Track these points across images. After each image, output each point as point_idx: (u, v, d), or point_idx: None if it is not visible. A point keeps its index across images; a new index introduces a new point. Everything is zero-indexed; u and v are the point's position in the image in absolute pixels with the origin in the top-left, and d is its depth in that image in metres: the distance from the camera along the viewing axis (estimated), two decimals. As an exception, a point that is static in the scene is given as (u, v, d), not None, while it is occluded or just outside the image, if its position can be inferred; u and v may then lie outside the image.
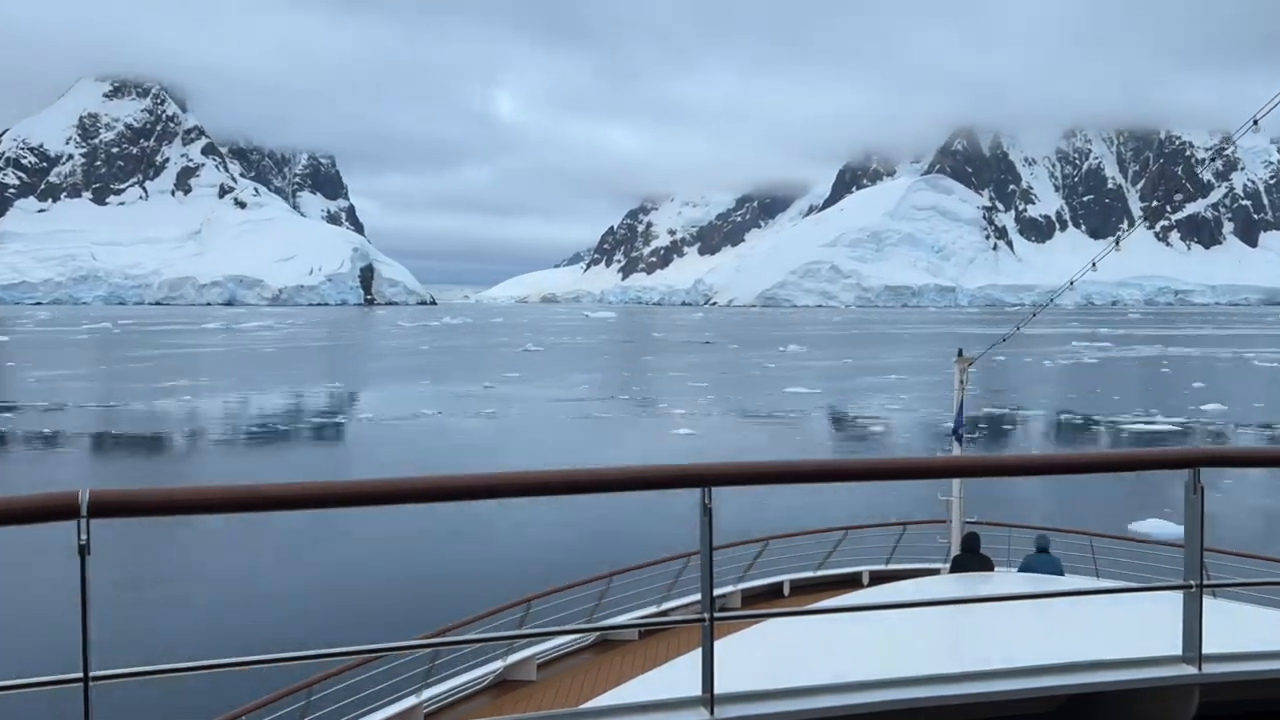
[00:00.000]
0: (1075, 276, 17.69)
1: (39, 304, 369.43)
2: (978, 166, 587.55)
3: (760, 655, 4.86)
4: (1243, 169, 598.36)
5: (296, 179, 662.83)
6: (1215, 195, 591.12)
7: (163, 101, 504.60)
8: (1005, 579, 11.68)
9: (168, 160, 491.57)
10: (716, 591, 3.35)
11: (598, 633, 13.98)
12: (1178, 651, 3.78)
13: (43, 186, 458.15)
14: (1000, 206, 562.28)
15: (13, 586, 22.81)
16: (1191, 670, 3.73)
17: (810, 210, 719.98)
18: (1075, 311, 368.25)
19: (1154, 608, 4.76)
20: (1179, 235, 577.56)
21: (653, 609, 14.63)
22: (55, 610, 18.56)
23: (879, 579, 15.72)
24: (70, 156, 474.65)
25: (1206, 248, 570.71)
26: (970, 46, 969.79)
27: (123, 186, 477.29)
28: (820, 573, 16.97)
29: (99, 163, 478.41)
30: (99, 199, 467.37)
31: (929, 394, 68.60)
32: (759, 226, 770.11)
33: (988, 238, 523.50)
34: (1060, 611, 5.52)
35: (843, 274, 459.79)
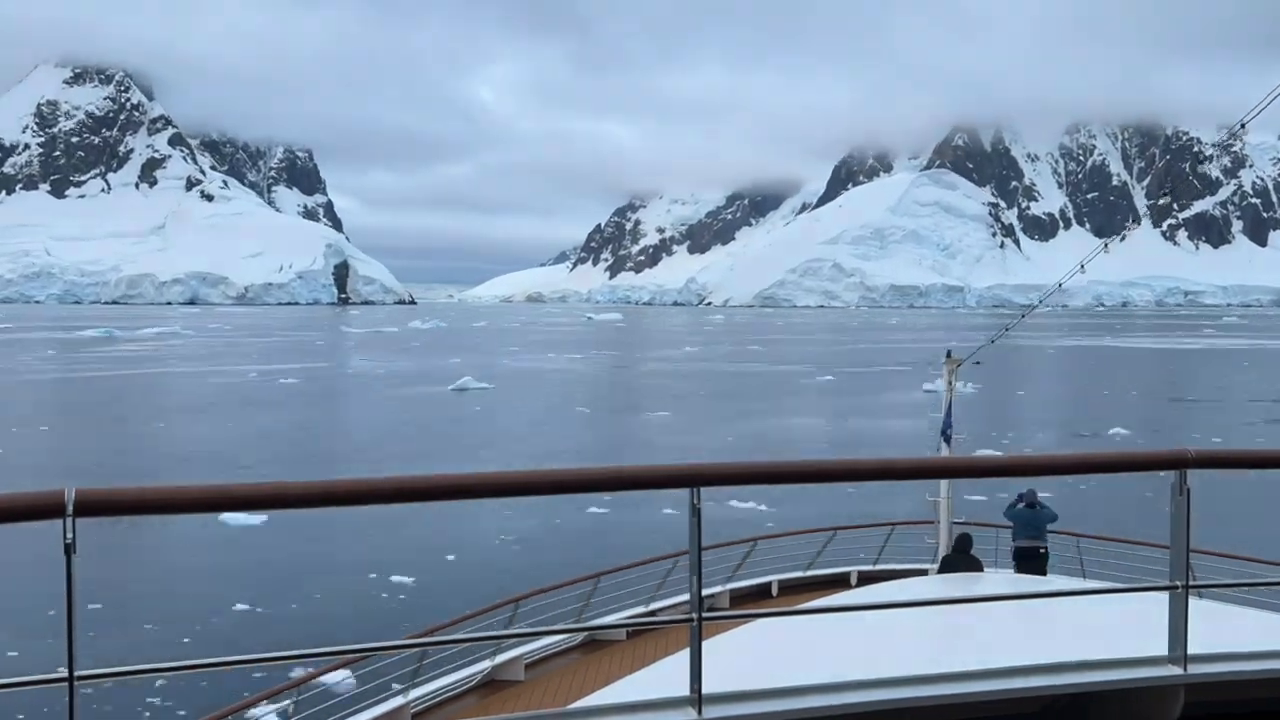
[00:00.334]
0: (1063, 279, 18.19)
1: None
2: (979, 162, 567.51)
3: (748, 655, 4.90)
4: (1251, 166, 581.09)
5: (272, 173, 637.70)
6: (1224, 193, 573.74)
7: (127, 89, 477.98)
8: (993, 579, 11.99)
9: (132, 151, 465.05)
10: (705, 591, 3.39)
11: (586, 633, 13.78)
12: (1163, 652, 3.80)
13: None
14: (1003, 204, 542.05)
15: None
16: (1177, 671, 3.74)
17: (803, 208, 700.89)
18: (1082, 312, 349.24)
19: (1140, 608, 4.76)
20: (1186, 234, 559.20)
21: (641, 609, 14.57)
22: (40, 609, 18.53)
23: (867, 579, 15.71)
24: (26, 146, 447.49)
25: (1215, 247, 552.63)
26: (965, 37, 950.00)
27: (83, 178, 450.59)
28: (809, 573, 16.88)
29: (58, 153, 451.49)
30: (57, 191, 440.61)
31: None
32: (750, 225, 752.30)
33: (994, 235, 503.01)
34: (1046, 612, 5.58)
35: (845, 273, 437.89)
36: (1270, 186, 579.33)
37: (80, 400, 69.47)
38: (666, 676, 3.90)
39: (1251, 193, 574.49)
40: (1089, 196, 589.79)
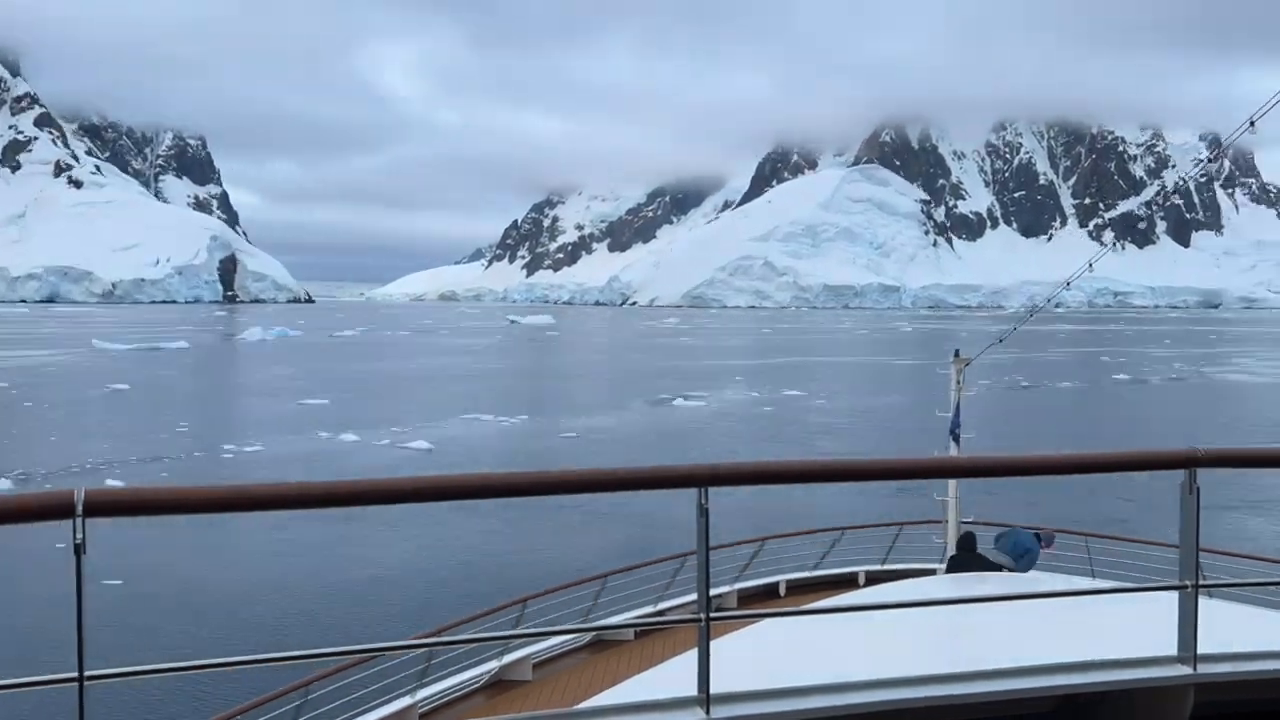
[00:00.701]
0: (1072, 277, 18.31)
1: None
2: (906, 159, 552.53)
3: (756, 655, 4.86)
4: (1173, 167, 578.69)
5: (160, 161, 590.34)
6: (1147, 193, 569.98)
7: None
8: (1001, 579, 11.97)
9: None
10: (712, 591, 3.35)
11: (593, 633, 13.79)
12: (1173, 652, 3.79)
13: None
14: (931, 201, 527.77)
15: (8, 585, 22.18)
16: (1186, 670, 3.73)
17: (726, 206, 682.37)
18: (1015, 316, 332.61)
19: (1149, 608, 4.72)
20: (1112, 235, 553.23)
21: (649, 609, 14.62)
22: (50, 609, 18.18)
23: (875, 579, 15.73)
24: None
25: (1140, 247, 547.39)
26: (877, 26, 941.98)
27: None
28: (816, 573, 16.90)
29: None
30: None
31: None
32: (671, 223, 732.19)
33: (927, 233, 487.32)
34: (1056, 611, 5.54)
35: (777, 271, 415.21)
36: (1192, 188, 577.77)
37: None
38: (674, 676, 3.93)
39: (1174, 193, 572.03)
40: (1016, 195, 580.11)
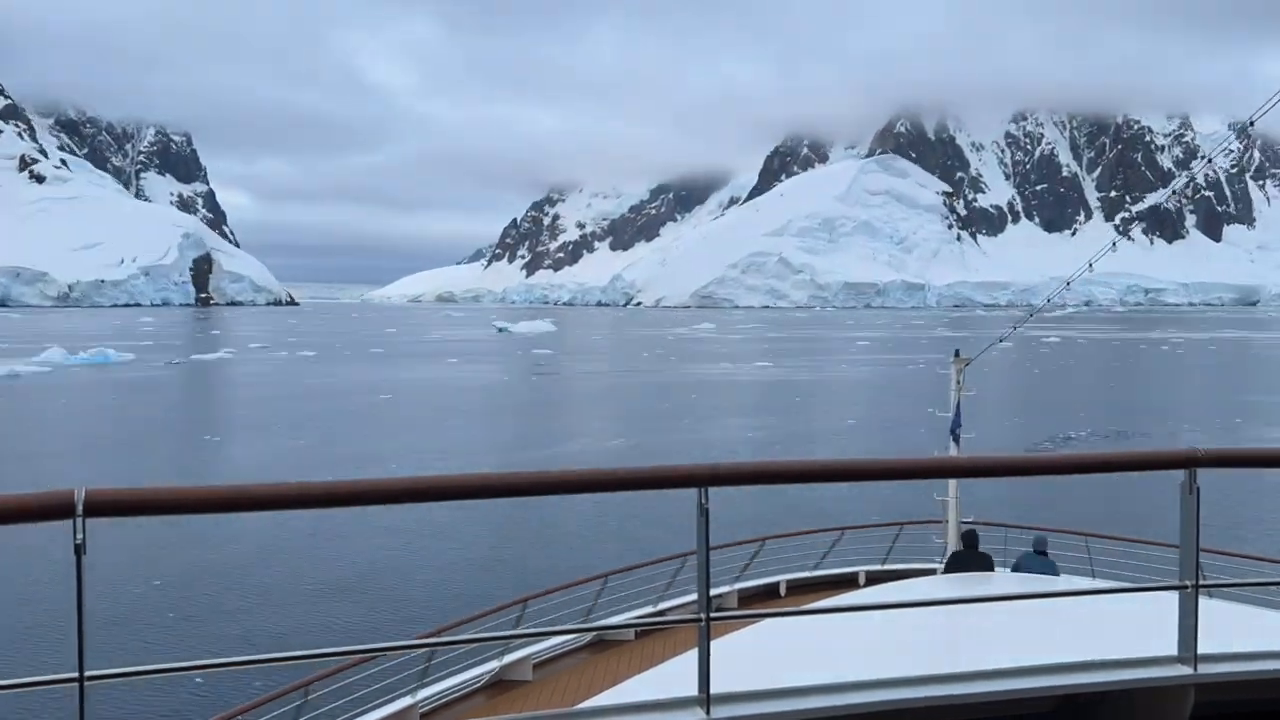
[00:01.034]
0: (1072, 277, 17.96)
1: None
2: (922, 151, 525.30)
3: (756, 655, 4.87)
4: (1204, 158, 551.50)
5: (141, 158, 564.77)
6: (1176, 185, 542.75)
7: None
8: (1001, 579, 12.02)
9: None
10: (713, 591, 3.38)
11: (594, 633, 13.82)
12: (1173, 652, 3.79)
13: None
14: (953, 193, 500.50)
15: (8, 585, 22.12)
16: (1187, 670, 3.74)
17: (732, 202, 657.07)
18: (1057, 317, 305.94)
19: (1150, 608, 4.73)
20: (1141, 229, 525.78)
21: (649, 609, 14.67)
22: (50, 609, 19.15)
23: (875, 579, 15.76)
24: None
25: (1170, 242, 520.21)
26: (889, 13, 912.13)
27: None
28: (817, 573, 16.93)
29: None
30: None
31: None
32: (675, 220, 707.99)
33: (950, 227, 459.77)
34: (1056, 611, 5.53)
35: (793, 268, 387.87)
36: (1222, 179, 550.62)
37: None
38: (675, 676, 3.92)
39: (1204, 185, 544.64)
40: (1038, 188, 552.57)
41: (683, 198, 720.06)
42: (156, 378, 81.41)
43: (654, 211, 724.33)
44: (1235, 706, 3.96)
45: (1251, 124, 13.64)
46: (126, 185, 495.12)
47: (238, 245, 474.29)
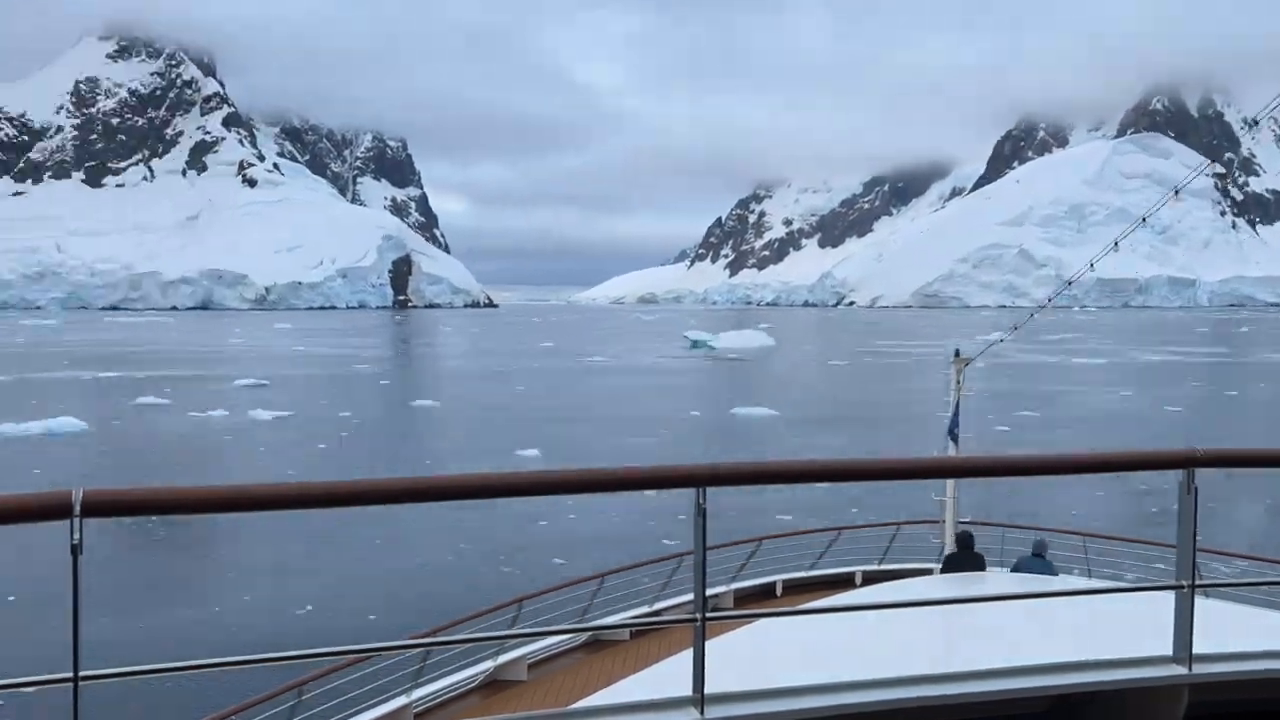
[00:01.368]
0: (1074, 276, 17.87)
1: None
2: (1183, 130, 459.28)
3: (752, 655, 4.88)
4: None
5: (358, 163, 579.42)
6: None
7: (178, 64, 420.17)
8: (998, 579, 12.00)
9: (181, 134, 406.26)
10: (709, 591, 3.50)
11: (589, 633, 13.77)
12: (1169, 652, 3.78)
13: (21, 165, 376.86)
14: (1226, 175, 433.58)
15: (4, 585, 22.43)
16: (1181, 670, 3.73)
17: (954, 194, 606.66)
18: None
19: (1145, 608, 4.74)
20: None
21: (645, 609, 14.63)
22: (43, 609, 19.20)
23: (872, 579, 15.66)
24: (59, 129, 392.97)
25: None
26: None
27: (123, 165, 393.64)
28: (813, 573, 16.82)
29: (94, 136, 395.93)
30: (93, 180, 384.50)
31: None
32: (890, 214, 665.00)
33: (1224, 214, 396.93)
34: (1052, 611, 5.53)
35: (1035, 262, 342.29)
36: None
37: None
38: (670, 676, 3.94)
39: None
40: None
41: (899, 190, 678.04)
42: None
43: (867, 205, 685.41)
44: (1229, 707, 3.95)
45: (1255, 123, 11.72)
46: (343, 191, 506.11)
47: (447, 250, 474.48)
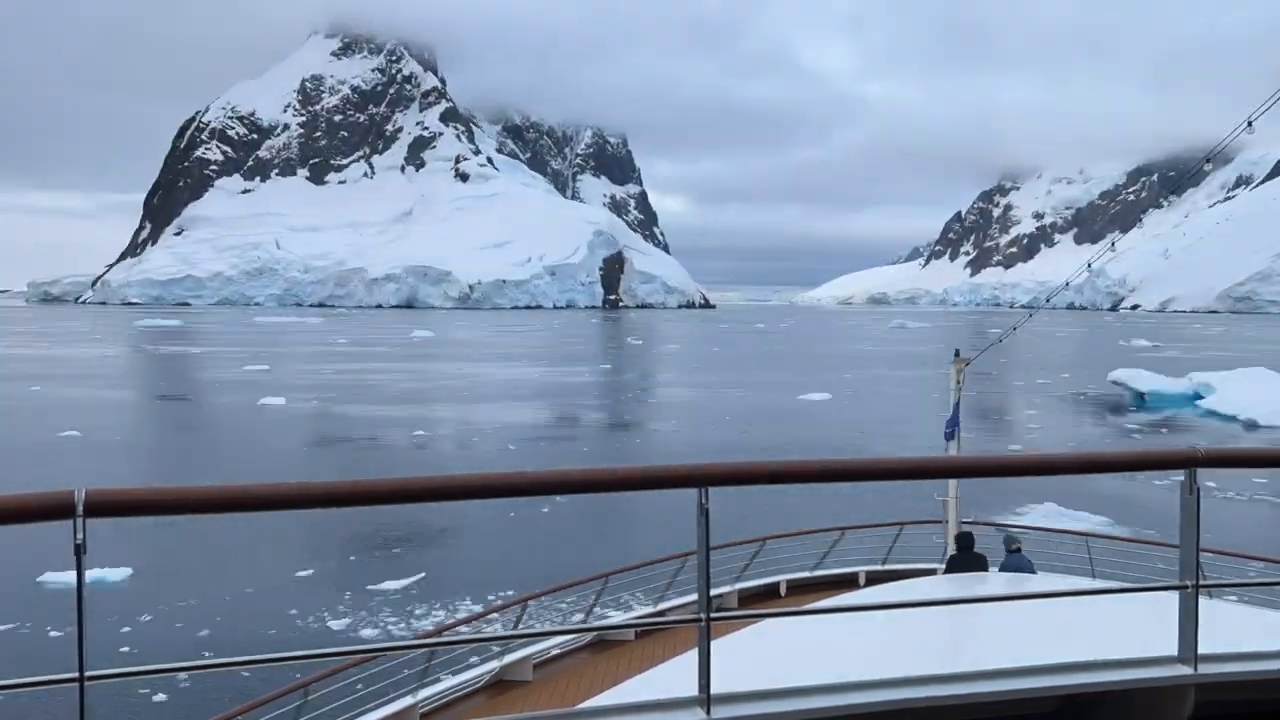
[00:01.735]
0: (1072, 276, 17.79)
1: (185, 304, 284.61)
2: None
3: (757, 655, 4.89)
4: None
5: (578, 160, 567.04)
6: None
7: (399, 59, 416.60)
8: (1001, 579, 12.09)
9: (400, 130, 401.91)
10: (713, 592, 3.39)
11: (594, 633, 13.89)
12: (1173, 652, 3.80)
13: (250, 163, 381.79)
14: None
15: (8, 585, 22.18)
16: (1187, 670, 3.75)
17: (1239, 183, 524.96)
18: None
19: (1150, 608, 4.77)
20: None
21: (649, 609, 14.79)
22: (50, 609, 19.38)
23: (875, 579, 15.76)
24: (286, 127, 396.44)
25: None
26: None
27: (345, 162, 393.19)
28: (817, 573, 16.91)
29: (319, 134, 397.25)
30: (316, 177, 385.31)
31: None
32: (1160, 206, 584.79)
33: None
34: (1056, 612, 5.54)
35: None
36: None
37: None
38: (675, 676, 3.93)
39: None
40: None
41: (1169, 179, 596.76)
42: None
43: (1133, 197, 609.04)
44: (1236, 707, 3.97)
45: (1250, 124, 12.00)
46: (562, 189, 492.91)
47: (667, 249, 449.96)
